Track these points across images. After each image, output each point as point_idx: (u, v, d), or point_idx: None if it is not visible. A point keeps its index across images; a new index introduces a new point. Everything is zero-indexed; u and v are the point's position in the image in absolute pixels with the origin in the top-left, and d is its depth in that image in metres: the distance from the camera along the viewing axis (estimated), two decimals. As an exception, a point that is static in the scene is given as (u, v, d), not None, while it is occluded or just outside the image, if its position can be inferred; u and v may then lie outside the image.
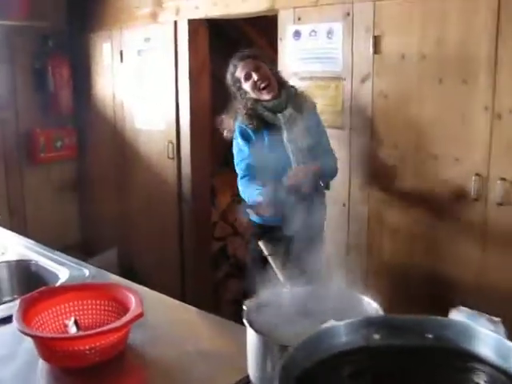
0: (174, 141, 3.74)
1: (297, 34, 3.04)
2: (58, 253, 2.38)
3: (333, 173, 2.76)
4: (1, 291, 2.27)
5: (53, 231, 4.16)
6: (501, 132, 2.49)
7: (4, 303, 2.23)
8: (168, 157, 3.77)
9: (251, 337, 1.26)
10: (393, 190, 2.86)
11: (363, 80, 2.85)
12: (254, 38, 4.07)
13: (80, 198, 4.60)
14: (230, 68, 2.63)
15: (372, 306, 1.27)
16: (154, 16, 3.69)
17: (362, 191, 2.95)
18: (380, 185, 2.89)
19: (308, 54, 3.02)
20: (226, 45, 3.93)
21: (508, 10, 2.39)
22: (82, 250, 4.24)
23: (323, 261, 2.47)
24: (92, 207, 4.50)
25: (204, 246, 3.91)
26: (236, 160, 2.66)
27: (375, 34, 2.76)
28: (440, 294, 2.69)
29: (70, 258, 2.31)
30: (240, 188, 2.65)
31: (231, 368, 1.40)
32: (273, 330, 1.29)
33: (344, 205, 3.04)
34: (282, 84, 2.66)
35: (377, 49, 2.77)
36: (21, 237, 2.60)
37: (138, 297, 1.55)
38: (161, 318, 1.71)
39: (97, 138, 4.36)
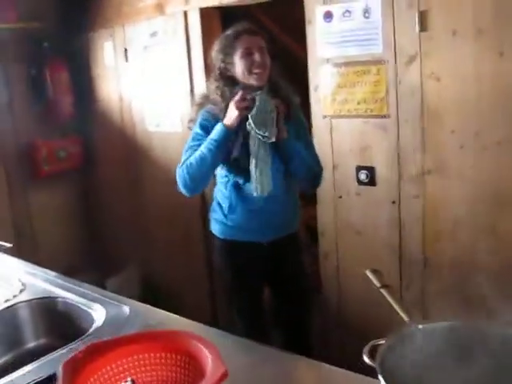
0: (193, 143, 3.40)
1: (328, 15, 2.72)
2: (87, 285, 2.06)
3: (310, 170, 2.38)
4: (23, 336, 1.95)
5: (65, 252, 3.85)
6: None
7: (29, 349, 1.94)
8: (186, 161, 3.44)
9: None
10: (451, 182, 2.55)
11: (410, 61, 2.53)
12: (269, 26, 3.73)
13: (90, 213, 4.26)
14: (224, 39, 2.25)
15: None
16: (159, 8, 3.35)
17: (416, 184, 2.64)
18: (436, 176, 2.58)
19: (342, 37, 2.70)
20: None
21: None
22: (97, 270, 3.90)
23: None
24: (105, 222, 4.17)
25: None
26: (185, 147, 2.33)
27: (421, 10, 2.44)
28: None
29: (102, 291, 2.00)
30: (182, 172, 2.27)
31: None
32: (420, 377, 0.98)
33: (394, 202, 2.74)
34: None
35: (423, 26, 2.46)
36: (39, 268, 2.28)
37: (213, 347, 1.24)
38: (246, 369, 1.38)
39: (104, 146, 4.02)
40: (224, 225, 2.40)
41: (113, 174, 4.02)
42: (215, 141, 2.16)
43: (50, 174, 3.90)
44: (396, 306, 1.17)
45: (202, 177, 2.25)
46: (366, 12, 2.59)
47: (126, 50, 3.63)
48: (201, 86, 3.27)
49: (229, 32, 2.26)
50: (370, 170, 2.78)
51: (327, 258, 3.08)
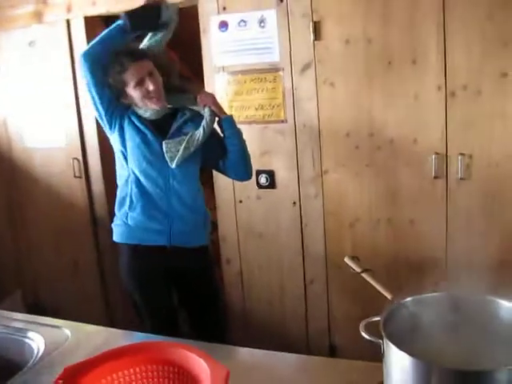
0: (80, 157, 3.26)
1: (223, 24, 2.78)
2: (8, 312, 1.91)
3: (247, 156, 2.40)
4: None
5: None
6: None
7: None
8: (74, 176, 3.28)
9: (399, 360, 1.05)
10: (348, 180, 2.74)
11: (304, 69, 2.68)
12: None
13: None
14: (116, 66, 2.15)
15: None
16: (38, 15, 3.16)
17: (315, 185, 2.80)
18: (333, 176, 2.76)
19: (238, 46, 2.78)
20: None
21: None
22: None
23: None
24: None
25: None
26: None
27: (314, 20, 2.61)
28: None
29: (28, 316, 1.86)
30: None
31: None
32: (417, 349, 1.08)
33: (294, 203, 2.87)
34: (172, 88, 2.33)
35: (317, 35, 2.62)
36: None
37: (202, 353, 1.23)
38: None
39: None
40: (124, 225, 2.32)
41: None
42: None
43: None
44: (379, 287, 1.26)
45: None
46: (262, 22, 2.70)
47: (-3, 60, 3.37)
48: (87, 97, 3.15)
49: (115, 65, 2.16)
50: (270, 174, 2.89)
51: (230, 264, 3.12)
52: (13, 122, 3.45)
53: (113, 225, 2.40)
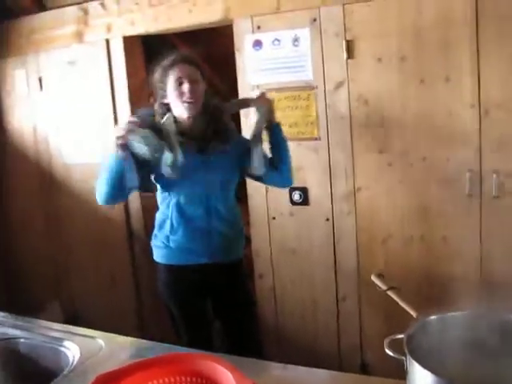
0: (118, 172, 3.34)
1: (257, 43, 2.83)
2: (46, 322, 1.97)
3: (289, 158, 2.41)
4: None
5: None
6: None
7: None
8: (111, 191, 3.37)
9: (422, 377, 1.05)
10: (381, 197, 2.74)
11: (338, 86, 2.71)
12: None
13: (1, 249, 3.99)
14: (160, 68, 2.23)
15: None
16: (79, 35, 3.28)
17: (348, 202, 2.81)
18: (366, 193, 2.77)
19: (272, 65, 2.82)
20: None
21: (485, 1, 2.38)
22: (14, 310, 3.65)
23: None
24: (21, 260, 3.93)
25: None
26: None
27: (347, 39, 2.64)
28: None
29: (65, 326, 1.92)
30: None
31: None
32: (440, 366, 1.08)
33: (327, 219, 2.88)
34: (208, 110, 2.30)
35: (350, 53, 2.65)
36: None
37: (230, 365, 1.25)
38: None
39: (15, 181, 3.80)
40: (165, 248, 2.34)
41: (27, 209, 3.81)
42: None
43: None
44: (404, 305, 1.27)
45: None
46: (296, 40, 2.74)
47: (40, 78, 3.49)
48: (125, 115, 3.25)
49: (165, 61, 2.25)
50: (303, 191, 2.91)
51: (262, 279, 3.15)
52: (53, 139, 3.57)
53: (153, 245, 2.43)
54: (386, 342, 1.20)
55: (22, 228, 3.89)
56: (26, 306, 3.68)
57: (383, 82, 2.62)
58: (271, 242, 3.07)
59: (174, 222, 2.29)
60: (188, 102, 2.18)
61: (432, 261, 2.69)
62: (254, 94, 2.44)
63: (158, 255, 2.39)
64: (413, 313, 1.24)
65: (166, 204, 2.33)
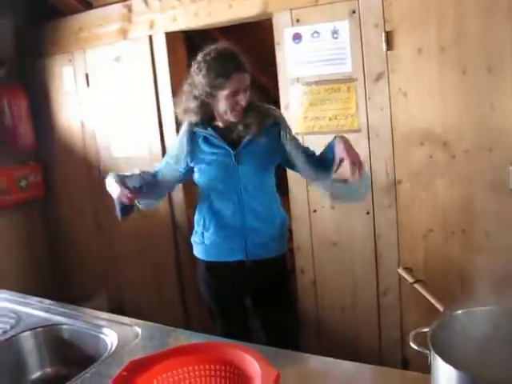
0: (161, 166, 3.42)
1: (297, 36, 2.84)
2: (87, 310, 2.05)
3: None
4: (27, 366, 1.90)
5: (27, 282, 3.71)
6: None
7: (34, 380, 1.90)
8: (156, 185, 3.45)
9: (446, 372, 1.05)
10: (422, 190, 2.71)
11: (377, 78, 2.69)
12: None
13: (52, 242, 4.15)
14: (214, 74, 2.08)
15: None
16: (123, 32, 3.37)
17: (389, 194, 2.78)
18: (407, 185, 2.73)
19: (312, 57, 2.82)
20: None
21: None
22: (63, 299, 3.79)
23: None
24: (69, 251, 4.07)
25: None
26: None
27: (386, 30, 2.61)
28: None
29: (105, 314, 1.99)
30: None
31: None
32: (465, 361, 1.07)
33: (368, 213, 2.86)
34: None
35: (390, 45, 2.62)
36: (28, 297, 2.23)
37: (258, 354, 1.28)
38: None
39: (66, 173, 3.93)
40: (201, 244, 2.35)
41: (75, 203, 3.94)
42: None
43: (11, 204, 3.79)
44: (430, 298, 1.26)
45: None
46: (335, 33, 2.73)
47: (87, 74, 3.60)
48: (168, 109, 3.31)
49: (219, 68, 2.09)
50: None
51: (304, 273, 3.16)
52: (101, 133, 3.67)
53: (192, 240, 2.44)
54: (411, 335, 1.19)
55: (71, 222, 4.02)
56: (74, 298, 3.82)
57: (423, 74, 2.58)
58: (312, 235, 3.08)
59: (206, 218, 2.30)
60: (237, 111, 2.15)
61: (474, 256, 2.63)
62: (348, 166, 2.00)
63: (196, 251, 2.41)
64: (439, 306, 1.23)
65: (200, 199, 2.35)
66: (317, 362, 1.59)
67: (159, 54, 3.28)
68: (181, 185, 3.40)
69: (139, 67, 3.36)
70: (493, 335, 1.17)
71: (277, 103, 3.01)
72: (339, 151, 2.03)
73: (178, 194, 3.43)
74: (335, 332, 3.13)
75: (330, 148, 2.15)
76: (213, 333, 2.24)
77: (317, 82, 2.85)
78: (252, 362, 1.27)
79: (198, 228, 2.37)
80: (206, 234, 2.33)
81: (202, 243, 2.36)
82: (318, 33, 2.78)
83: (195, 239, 2.40)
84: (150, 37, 3.29)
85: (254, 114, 2.19)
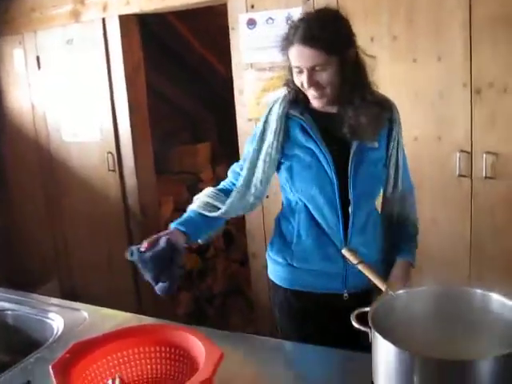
0: (114, 151, 3.37)
1: (251, 22, 2.83)
2: (34, 295, 2.02)
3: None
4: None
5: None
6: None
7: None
8: (108, 169, 3.40)
9: (385, 349, 1.08)
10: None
11: (330, 66, 2.71)
12: (186, 36, 3.78)
13: (2, 227, 4.04)
14: (280, 41, 1.63)
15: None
16: (75, 14, 3.30)
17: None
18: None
19: (266, 43, 2.82)
20: (155, 44, 3.67)
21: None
22: (13, 286, 3.71)
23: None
24: (19, 237, 3.98)
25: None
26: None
27: (340, 17, 2.63)
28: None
29: (52, 299, 1.96)
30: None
31: None
32: (407, 340, 1.10)
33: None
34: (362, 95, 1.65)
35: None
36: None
37: (202, 335, 1.29)
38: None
39: (15, 158, 3.85)
40: (287, 266, 1.76)
41: (26, 187, 3.86)
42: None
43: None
44: (373, 278, 1.29)
45: None
46: (289, 19, 2.73)
47: (38, 57, 3.52)
48: (121, 93, 3.27)
49: (284, 34, 1.63)
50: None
51: (255, 257, 3.18)
52: (51, 117, 3.61)
53: (268, 258, 1.86)
54: (353, 314, 1.21)
55: (22, 206, 3.94)
56: (25, 284, 3.74)
57: (371, 61, 2.61)
58: (264, 221, 3.09)
59: (302, 231, 1.73)
60: (312, 95, 1.63)
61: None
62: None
63: (277, 275, 1.83)
64: (382, 286, 1.26)
65: (289, 206, 1.79)
66: (260, 343, 1.61)
67: (112, 38, 3.23)
68: (134, 171, 3.38)
69: (92, 50, 3.31)
70: (432, 314, 1.20)
71: (231, 88, 3.02)
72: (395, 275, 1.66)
73: (131, 178, 3.39)
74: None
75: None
76: (162, 317, 2.24)
77: (270, 68, 2.85)
78: (196, 343, 1.28)
79: (283, 243, 1.79)
80: (297, 252, 1.75)
81: (287, 264, 1.78)
82: (272, 19, 2.79)
83: (277, 258, 1.82)
84: (104, 20, 3.23)
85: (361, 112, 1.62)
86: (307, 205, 1.69)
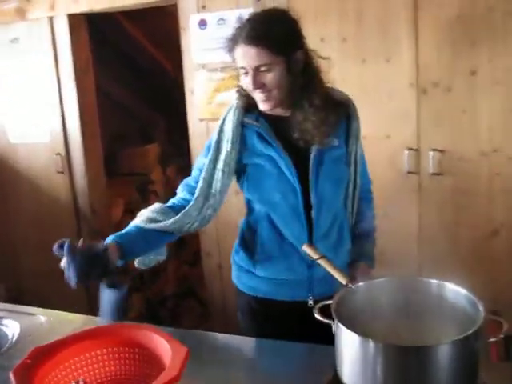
0: (63, 152, 3.31)
1: (202, 23, 2.84)
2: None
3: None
4: None
5: None
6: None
7: None
8: (57, 171, 3.33)
9: (349, 338, 1.12)
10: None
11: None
12: (136, 36, 3.74)
13: None
14: (231, 41, 1.64)
15: (472, 300, 1.17)
16: (21, 12, 3.21)
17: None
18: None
19: (217, 44, 2.81)
20: (103, 44, 3.62)
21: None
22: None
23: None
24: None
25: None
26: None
27: (291, 18, 2.67)
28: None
29: (6, 305, 1.91)
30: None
31: None
32: (368, 329, 1.14)
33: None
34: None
35: (293, 32, 2.68)
36: None
37: (165, 333, 1.29)
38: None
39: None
40: (250, 274, 1.75)
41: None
42: None
43: None
44: (333, 272, 1.33)
45: None
46: (244, 20, 2.75)
47: (-19, 56, 3.41)
48: (70, 94, 3.21)
49: (230, 35, 1.67)
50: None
51: (209, 256, 3.19)
52: (-3, 118, 3.50)
53: (233, 263, 1.84)
54: (316, 307, 1.25)
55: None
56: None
57: (324, 62, 2.66)
58: (217, 219, 3.09)
59: (266, 241, 1.71)
60: (258, 97, 1.59)
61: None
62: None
63: (241, 281, 1.82)
64: (342, 280, 1.30)
65: (252, 214, 1.76)
66: (222, 340, 1.64)
67: (61, 37, 3.16)
68: (84, 172, 3.33)
69: (39, 50, 3.23)
70: (391, 304, 1.25)
71: (181, 89, 3.02)
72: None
73: (81, 181, 3.34)
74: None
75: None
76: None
77: (222, 69, 2.87)
78: (161, 342, 1.28)
79: (244, 251, 1.78)
80: (260, 262, 1.73)
81: (250, 273, 1.77)
82: (223, 19, 2.80)
83: (241, 264, 1.80)
84: (51, 18, 3.16)
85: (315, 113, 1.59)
86: (270, 213, 1.65)
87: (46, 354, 1.27)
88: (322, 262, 1.37)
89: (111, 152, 4.03)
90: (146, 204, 3.57)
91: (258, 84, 1.53)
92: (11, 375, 1.18)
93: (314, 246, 1.45)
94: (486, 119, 2.48)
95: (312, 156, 1.60)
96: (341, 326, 1.13)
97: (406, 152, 2.62)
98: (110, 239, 1.56)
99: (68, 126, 3.28)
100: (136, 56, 3.98)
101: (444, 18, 2.44)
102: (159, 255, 1.74)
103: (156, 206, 1.68)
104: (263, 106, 1.59)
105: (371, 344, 1.07)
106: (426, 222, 2.66)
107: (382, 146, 2.66)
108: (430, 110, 2.56)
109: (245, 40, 1.54)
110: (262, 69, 1.52)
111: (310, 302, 1.66)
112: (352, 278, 1.42)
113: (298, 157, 1.61)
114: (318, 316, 1.22)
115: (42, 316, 1.77)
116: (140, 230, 1.62)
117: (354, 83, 2.64)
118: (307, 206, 1.62)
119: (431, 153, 2.58)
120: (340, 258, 1.69)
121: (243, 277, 1.77)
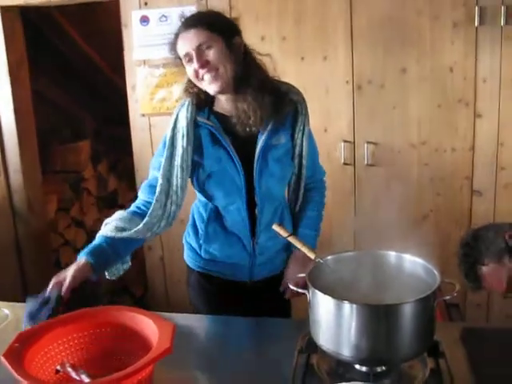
0: (-3, 149, 3.24)
1: (144, 19, 2.88)
2: None
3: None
4: None
5: None
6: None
7: None
8: (-8, 169, 3.25)
9: (325, 303, 1.25)
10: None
11: (224, 63, 2.84)
12: (71, 33, 3.69)
13: None
14: (173, 37, 1.69)
15: (431, 271, 1.32)
16: (-50, 4, 3.11)
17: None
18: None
19: (159, 40, 2.88)
20: (34, 39, 3.55)
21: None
22: None
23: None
24: None
25: (47, 266, 3.51)
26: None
27: (232, 16, 2.77)
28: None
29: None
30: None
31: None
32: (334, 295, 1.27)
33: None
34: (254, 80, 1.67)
35: (235, 31, 2.79)
36: None
37: (150, 313, 1.36)
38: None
39: None
40: (197, 255, 1.87)
41: None
42: None
43: None
44: (303, 249, 1.45)
45: None
46: (182, 17, 2.81)
47: None
48: (4, 89, 3.14)
49: (171, 39, 1.71)
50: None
51: (151, 249, 3.23)
52: None
53: (184, 242, 1.95)
54: (292, 281, 1.38)
55: None
56: None
57: (265, 60, 2.79)
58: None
59: (210, 230, 1.82)
60: (205, 79, 1.62)
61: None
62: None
63: (190, 259, 1.93)
64: (311, 255, 1.42)
65: (203, 204, 1.83)
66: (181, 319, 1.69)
67: (-6, 30, 3.09)
68: (20, 171, 3.27)
69: (-30, 43, 3.13)
70: (357, 274, 1.38)
71: (115, 87, 3.04)
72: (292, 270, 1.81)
73: (18, 179, 3.27)
74: (184, 306, 3.25)
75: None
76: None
77: (164, 65, 2.92)
78: (145, 320, 1.34)
79: (194, 234, 1.89)
80: (205, 247, 1.86)
81: (197, 254, 1.90)
82: (165, 16, 2.86)
83: (192, 243, 1.92)
84: (-17, 11, 3.08)
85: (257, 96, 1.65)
86: (217, 207, 1.77)
87: (32, 337, 1.29)
88: (291, 239, 1.49)
89: (42, 149, 3.95)
90: (79, 201, 3.53)
91: (203, 62, 1.59)
92: (2, 358, 1.20)
93: (283, 225, 1.56)
94: (415, 114, 2.71)
95: (256, 157, 1.68)
96: (317, 292, 1.25)
97: (342, 144, 2.80)
98: (82, 256, 1.61)
99: (3, 122, 3.20)
100: (68, 53, 3.92)
101: (377, 20, 2.64)
102: (125, 263, 1.81)
103: (121, 213, 1.73)
104: (212, 88, 1.63)
105: (346, 305, 1.20)
106: (361, 209, 2.85)
107: (320, 139, 2.77)
108: (364, 105, 2.75)
109: (184, 27, 1.64)
110: (203, 47, 1.60)
111: (249, 282, 1.84)
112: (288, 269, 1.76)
113: (246, 154, 1.69)
114: (292, 287, 1.34)
115: (6, 309, 1.75)
116: (112, 241, 1.67)
117: (293, 79, 2.75)
118: (251, 203, 1.74)
119: (366, 145, 2.77)
120: (277, 246, 1.82)
121: (191, 255, 1.89)
